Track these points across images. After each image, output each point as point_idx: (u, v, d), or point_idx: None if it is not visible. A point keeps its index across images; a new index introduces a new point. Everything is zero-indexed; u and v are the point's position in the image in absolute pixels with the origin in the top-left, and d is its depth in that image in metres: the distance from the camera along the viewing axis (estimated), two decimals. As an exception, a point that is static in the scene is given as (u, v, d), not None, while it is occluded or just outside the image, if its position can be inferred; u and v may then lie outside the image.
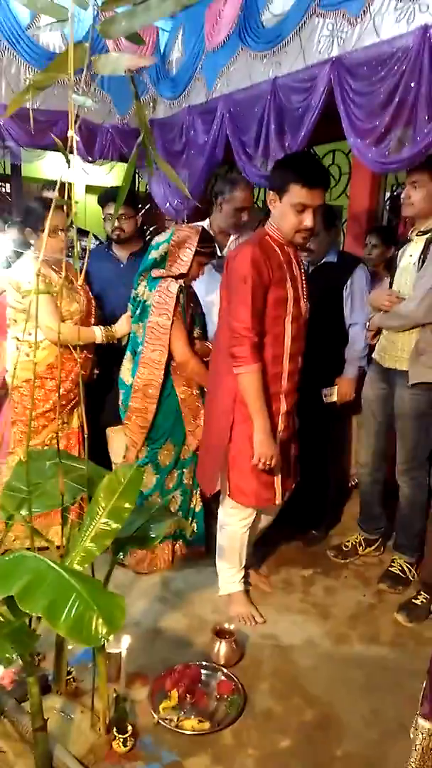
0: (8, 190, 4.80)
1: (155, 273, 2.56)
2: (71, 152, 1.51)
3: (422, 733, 1.71)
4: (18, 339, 2.62)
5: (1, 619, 1.49)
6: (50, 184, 3.54)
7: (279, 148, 3.13)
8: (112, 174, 4.47)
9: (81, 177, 4.17)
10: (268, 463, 2.15)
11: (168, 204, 4.19)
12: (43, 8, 1.55)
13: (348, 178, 4.11)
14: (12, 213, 4.63)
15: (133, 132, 4.12)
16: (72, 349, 2.42)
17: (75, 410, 2.79)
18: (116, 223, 2.96)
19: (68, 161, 1.50)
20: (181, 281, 2.54)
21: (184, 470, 2.72)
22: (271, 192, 2.11)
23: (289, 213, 2.06)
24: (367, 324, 2.80)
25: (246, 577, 2.60)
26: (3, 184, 4.92)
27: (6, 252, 3.54)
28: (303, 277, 2.25)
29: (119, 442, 3.31)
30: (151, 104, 4.13)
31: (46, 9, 1.55)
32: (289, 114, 3.04)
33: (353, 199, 3.92)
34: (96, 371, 2.92)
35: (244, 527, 2.42)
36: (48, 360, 2.61)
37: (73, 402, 2.76)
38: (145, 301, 2.59)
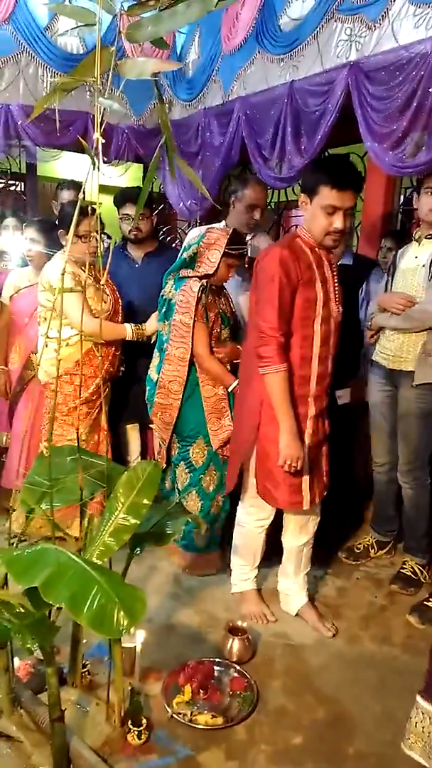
0: (23, 189, 4.83)
1: (182, 273, 2.63)
2: (96, 154, 1.55)
3: (421, 712, 1.74)
4: (47, 336, 2.65)
5: (22, 611, 1.52)
6: (66, 183, 3.57)
7: (295, 151, 3.16)
8: (126, 175, 4.50)
9: (97, 177, 4.19)
10: (293, 465, 2.12)
11: (182, 204, 4.22)
12: (70, 13, 1.58)
13: (363, 181, 4.13)
14: (27, 212, 4.67)
15: (149, 133, 4.15)
16: (96, 347, 2.47)
17: (103, 407, 2.81)
18: (135, 224, 2.98)
19: (94, 163, 1.53)
20: (204, 281, 2.58)
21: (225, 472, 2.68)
22: (303, 194, 2.11)
23: (319, 215, 2.04)
24: (369, 323, 2.81)
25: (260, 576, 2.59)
26: (17, 183, 4.96)
27: (22, 251, 3.58)
28: (335, 280, 2.22)
29: (135, 440, 3.35)
30: (167, 105, 4.15)
31: (74, 13, 1.59)
32: (306, 117, 3.07)
33: (368, 201, 3.93)
34: (122, 368, 2.96)
35: (260, 528, 2.43)
36: (75, 356, 2.64)
37: (101, 398, 2.77)
38: (170, 299, 2.65)
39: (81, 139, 1.53)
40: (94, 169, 1.57)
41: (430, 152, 2.51)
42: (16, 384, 3.10)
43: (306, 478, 2.23)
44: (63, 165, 5.11)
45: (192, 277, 2.59)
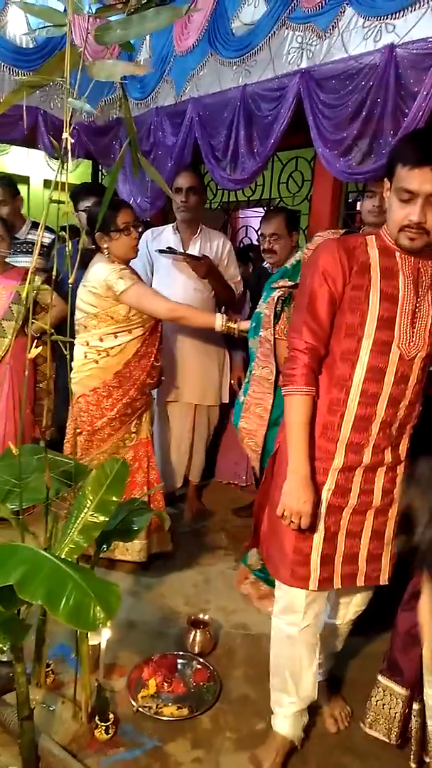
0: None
1: (274, 284, 2.41)
2: (66, 153, 1.55)
3: (381, 690, 1.83)
4: (87, 344, 2.55)
5: (-8, 611, 1.51)
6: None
7: (248, 153, 3.22)
8: (76, 171, 4.46)
9: (47, 173, 4.14)
10: (293, 521, 1.61)
11: (132, 201, 4.22)
12: (38, 12, 1.58)
13: (310, 185, 4.25)
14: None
15: (99, 130, 4.12)
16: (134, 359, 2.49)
17: (144, 420, 2.72)
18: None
19: (65, 162, 1.54)
20: (288, 291, 2.33)
21: None
22: (386, 179, 1.60)
23: (393, 204, 1.53)
24: None
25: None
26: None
27: None
28: (429, 298, 1.62)
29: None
30: (118, 104, 4.14)
31: (42, 13, 1.59)
32: (259, 121, 3.13)
33: (315, 204, 4.05)
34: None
35: (291, 634, 1.75)
36: (116, 368, 2.56)
37: (140, 411, 2.69)
38: (260, 313, 2.44)
39: (53, 141, 1.52)
40: (63, 167, 1.58)
41: (377, 159, 2.63)
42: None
43: (318, 547, 1.67)
44: (12, 160, 5.02)
45: (282, 287, 2.34)
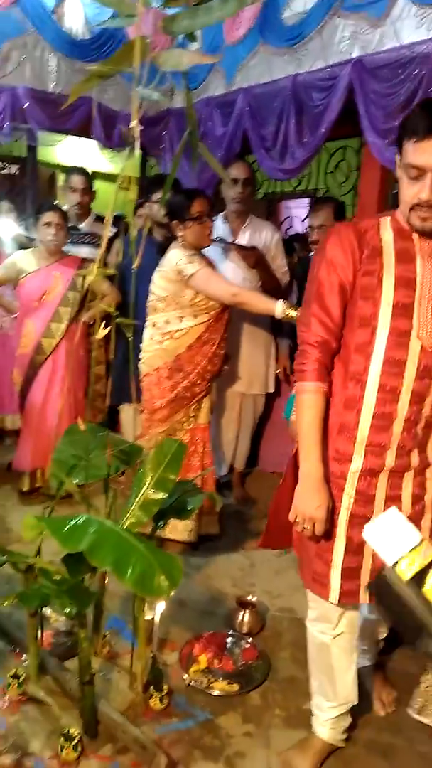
0: (21, 173, 4.80)
1: None
2: (134, 142, 1.61)
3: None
4: (154, 326, 2.66)
5: (59, 578, 1.60)
6: (74, 169, 3.59)
7: (297, 143, 3.24)
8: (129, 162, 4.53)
9: (100, 164, 4.22)
10: (306, 527, 1.52)
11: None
12: (110, 3, 1.63)
13: (357, 175, 4.23)
14: (23, 195, 4.65)
15: (151, 120, 4.18)
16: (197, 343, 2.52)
17: (203, 405, 2.76)
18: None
19: (133, 151, 1.59)
20: None
21: None
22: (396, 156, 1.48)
23: (403, 181, 1.42)
24: None
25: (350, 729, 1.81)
26: (10, 167, 4.90)
27: (10, 237, 3.62)
28: None
29: (129, 421, 3.39)
30: (169, 94, 4.19)
31: (112, 3, 1.64)
32: (309, 110, 3.15)
33: (362, 194, 4.04)
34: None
35: (326, 641, 1.69)
36: (178, 351, 2.63)
37: (199, 395, 2.72)
38: None
39: (123, 130, 1.58)
40: (130, 156, 1.63)
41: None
42: (28, 368, 3.13)
43: (339, 557, 1.53)
44: (62, 151, 5.13)
45: None
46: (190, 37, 1.74)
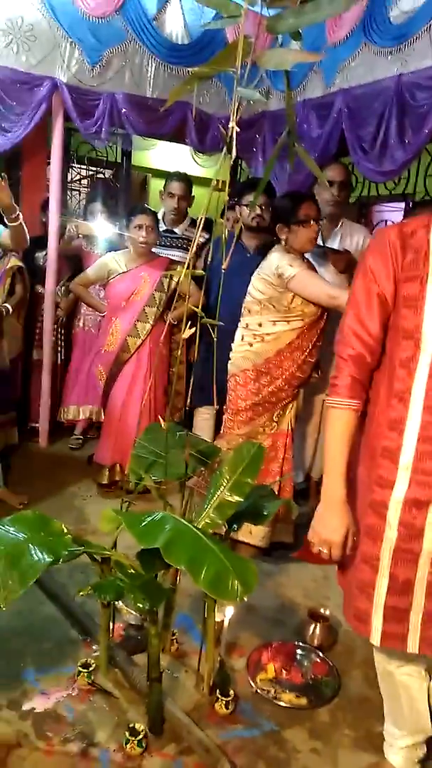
0: (115, 177, 4.96)
1: None
2: (231, 144, 1.60)
3: None
4: (246, 327, 2.69)
5: (134, 572, 1.61)
6: (175, 174, 3.65)
7: (398, 144, 3.12)
8: (215, 167, 4.56)
9: (192, 169, 4.27)
10: (323, 550, 1.47)
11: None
12: (214, 4, 1.63)
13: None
14: (117, 199, 4.78)
15: (244, 123, 4.18)
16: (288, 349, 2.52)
17: (287, 412, 2.72)
18: (257, 212, 3.02)
19: (230, 153, 1.59)
20: None
21: None
22: None
23: None
24: None
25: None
26: (104, 171, 5.06)
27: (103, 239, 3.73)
28: None
29: (207, 426, 3.41)
30: (265, 96, 4.18)
31: (217, 5, 1.64)
32: (413, 111, 3.02)
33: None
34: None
35: (389, 668, 1.62)
36: (267, 355, 2.61)
37: (285, 401, 2.69)
38: None
39: (221, 129, 1.57)
40: (226, 158, 1.63)
41: None
42: (113, 366, 3.22)
43: (380, 596, 1.42)
44: (155, 155, 5.24)
45: None
46: (295, 36, 1.70)
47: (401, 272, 1.35)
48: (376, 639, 1.42)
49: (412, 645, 1.40)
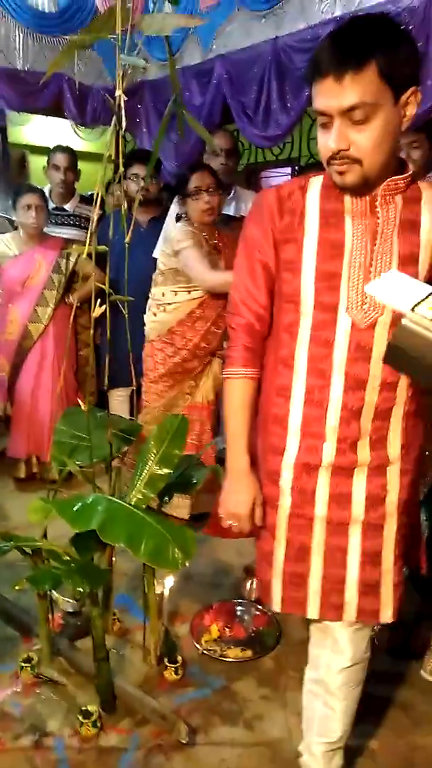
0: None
1: None
2: (120, 114, 1.56)
3: None
4: (152, 297, 2.71)
5: (69, 558, 1.60)
6: (59, 147, 3.49)
7: (281, 109, 3.18)
8: (102, 139, 4.42)
9: (75, 142, 4.12)
10: (232, 523, 1.41)
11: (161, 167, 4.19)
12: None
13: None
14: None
15: (126, 93, 4.06)
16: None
17: (201, 383, 2.73)
18: (146, 184, 2.98)
19: (120, 123, 1.55)
20: None
21: None
22: None
23: (318, 134, 1.20)
24: None
25: None
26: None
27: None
28: (391, 248, 1.22)
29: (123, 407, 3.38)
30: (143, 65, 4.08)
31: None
32: (292, 74, 3.08)
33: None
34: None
35: (308, 684, 1.53)
36: (169, 325, 2.64)
37: (194, 373, 2.70)
38: None
39: (108, 98, 1.53)
40: (114, 130, 1.59)
41: (426, 101, 2.54)
42: (15, 355, 3.09)
43: (279, 561, 1.37)
44: (31, 131, 4.99)
45: None
46: (173, 0, 1.68)
47: (279, 235, 1.28)
48: (277, 605, 1.39)
49: (313, 610, 1.36)
